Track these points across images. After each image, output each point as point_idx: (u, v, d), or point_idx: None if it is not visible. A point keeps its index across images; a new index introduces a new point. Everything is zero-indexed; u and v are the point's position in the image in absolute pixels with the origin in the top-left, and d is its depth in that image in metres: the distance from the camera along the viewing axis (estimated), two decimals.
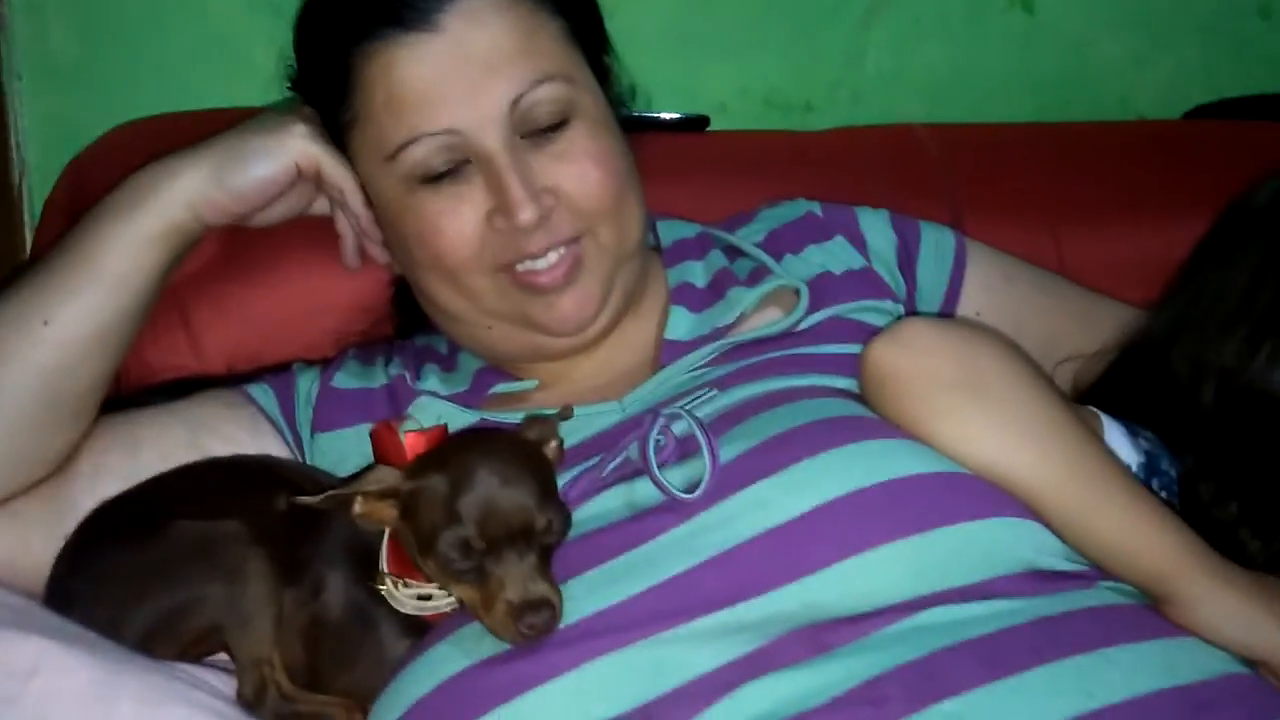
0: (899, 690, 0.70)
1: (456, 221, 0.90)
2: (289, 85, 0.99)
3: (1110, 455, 0.81)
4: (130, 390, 1.01)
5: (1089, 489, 0.79)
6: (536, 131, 0.90)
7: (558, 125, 0.90)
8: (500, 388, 0.97)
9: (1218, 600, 0.75)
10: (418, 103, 0.89)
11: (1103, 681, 0.70)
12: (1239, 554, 0.80)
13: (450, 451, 0.81)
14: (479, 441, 0.82)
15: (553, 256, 0.91)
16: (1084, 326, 1.02)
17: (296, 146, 0.93)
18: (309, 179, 0.95)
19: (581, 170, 0.91)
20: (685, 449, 0.84)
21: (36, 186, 1.27)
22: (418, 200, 0.90)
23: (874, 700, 0.70)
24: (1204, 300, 0.89)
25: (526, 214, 0.88)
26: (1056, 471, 0.79)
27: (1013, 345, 0.86)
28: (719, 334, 0.95)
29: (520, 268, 0.91)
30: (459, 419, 0.92)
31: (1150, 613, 0.76)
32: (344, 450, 0.95)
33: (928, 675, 0.71)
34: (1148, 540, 0.77)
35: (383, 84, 0.90)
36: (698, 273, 1.02)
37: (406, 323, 1.07)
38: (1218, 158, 1.23)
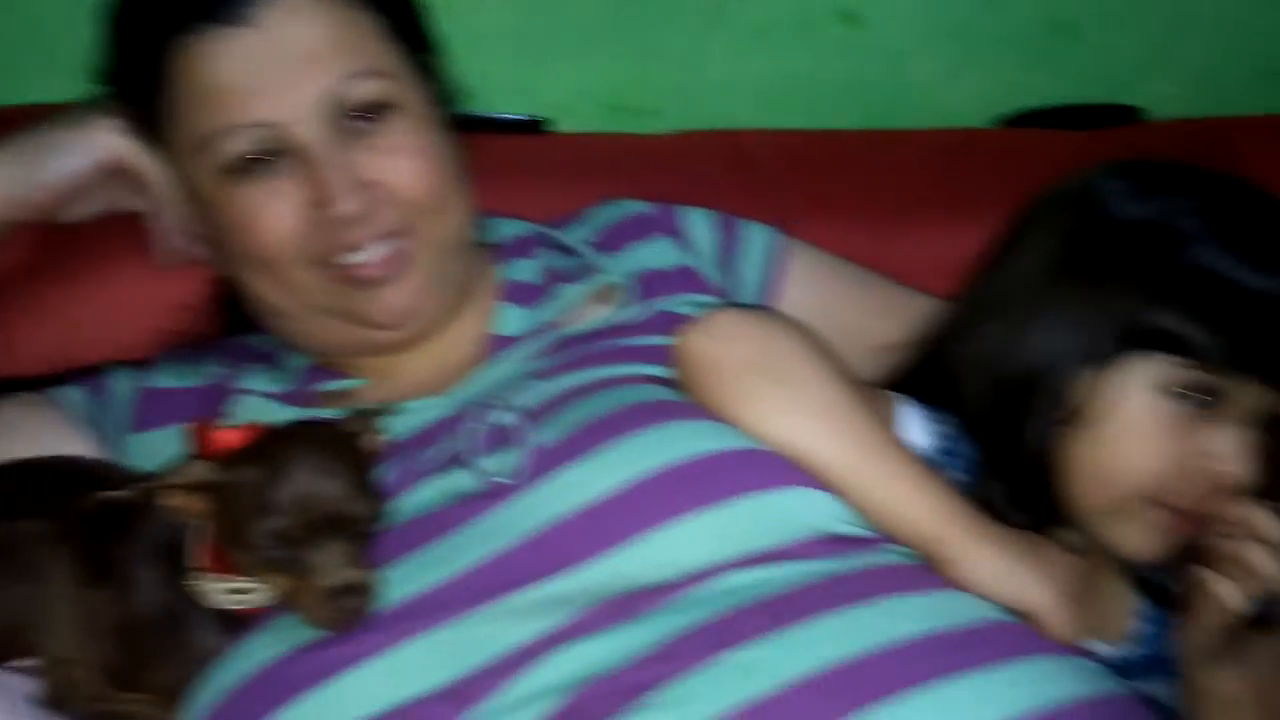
0: (690, 647, 0.75)
1: (272, 213, 0.89)
2: (99, 80, 0.97)
3: (892, 434, 0.88)
4: None
5: (870, 463, 0.85)
6: (355, 125, 0.90)
7: (377, 119, 0.91)
8: (327, 386, 0.97)
9: (982, 558, 0.82)
10: (231, 95, 0.88)
11: (874, 627, 0.76)
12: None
13: (264, 444, 0.80)
14: (294, 434, 0.82)
15: (375, 250, 0.91)
16: (898, 319, 1.07)
17: (103, 140, 0.92)
18: (118, 174, 0.94)
19: (402, 163, 0.91)
20: (504, 437, 0.86)
21: None
22: (233, 193, 0.90)
23: (668, 658, 0.74)
24: (971, 295, 0.96)
25: (345, 205, 0.88)
26: (842, 448, 0.85)
27: (810, 333, 0.91)
28: (547, 329, 0.97)
29: (342, 261, 0.91)
30: (284, 417, 0.91)
31: (927, 571, 0.82)
32: (163, 450, 0.93)
33: (719, 632, 0.75)
34: (921, 508, 0.84)
35: (196, 77, 0.89)
36: (528, 270, 1.03)
37: (231, 321, 1.06)
38: (1025, 163, 1.30)
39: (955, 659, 0.75)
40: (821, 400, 0.87)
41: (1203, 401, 0.84)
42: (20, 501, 0.84)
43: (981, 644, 0.77)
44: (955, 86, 1.43)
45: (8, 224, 0.92)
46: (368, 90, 0.90)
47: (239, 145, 0.89)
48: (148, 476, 0.82)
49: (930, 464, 0.88)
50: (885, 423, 0.89)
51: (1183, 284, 0.85)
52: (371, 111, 0.91)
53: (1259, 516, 0.82)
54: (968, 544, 0.82)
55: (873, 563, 0.81)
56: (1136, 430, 0.85)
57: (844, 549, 0.82)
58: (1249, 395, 0.84)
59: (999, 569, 0.82)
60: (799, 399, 0.86)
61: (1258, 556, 0.81)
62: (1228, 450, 0.83)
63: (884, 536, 0.84)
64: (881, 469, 0.85)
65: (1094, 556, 0.88)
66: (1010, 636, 0.79)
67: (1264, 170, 1.24)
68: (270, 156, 0.89)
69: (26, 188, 0.90)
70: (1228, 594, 0.81)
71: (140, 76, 0.92)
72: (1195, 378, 0.84)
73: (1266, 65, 1.42)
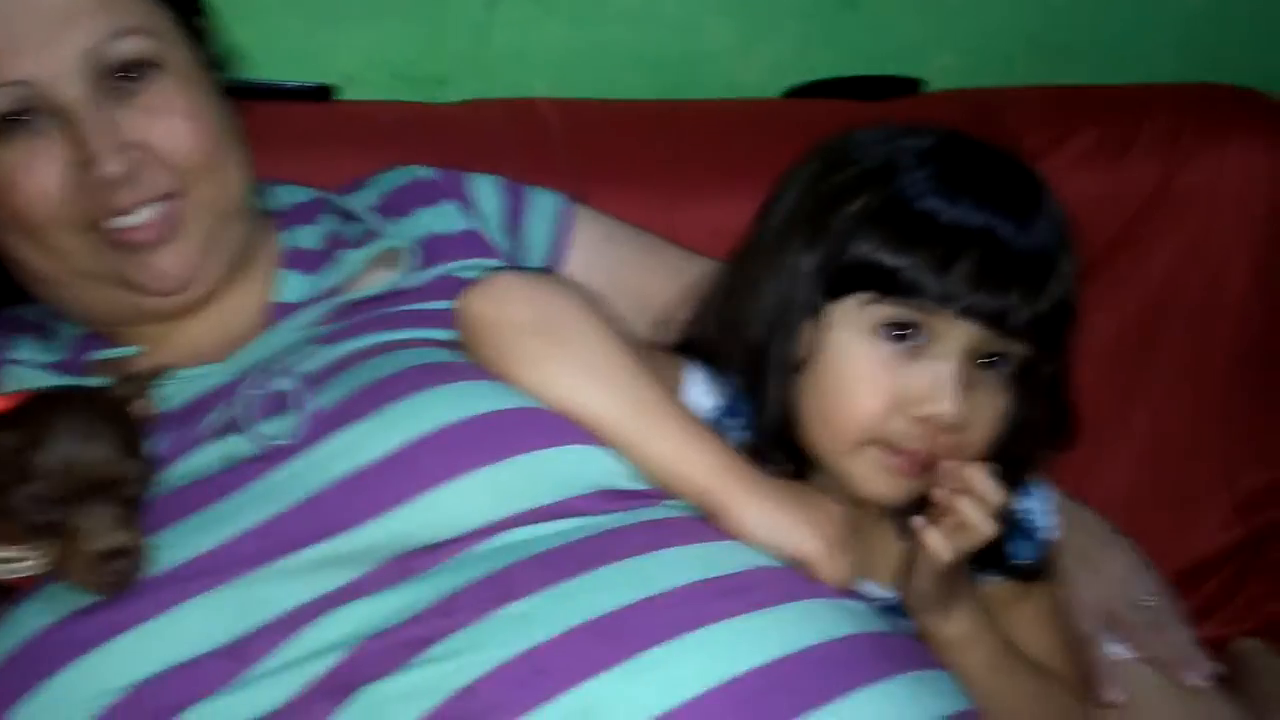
0: (471, 601, 0.77)
1: (33, 176, 0.88)
2: None
3: (667, 392, 0.90)
4: None
5: (645, 421, 0.87)
6: (119, 84, 0.89)
7: (141, 78, 0.90)
8: (101, 354, 0.95)
9: (752, 508, 0.84)
10: None
11: (650, 577, 0.78)
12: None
13: (26, 409, 0.80)
14: (55, 398, 0.81)
15: (145, 213, 0.90)
16: (682, 283, 1.11)
17: None
18: None
19: (170, 124, 0.90)
20: (282, 402, 0.87)
21: None
22: None
23: (448, 612, 0.76)
24: (730, 257, 0.99)
25: (110, 166, 0.87)
26: (618, 406, 0.87)
27: (588, 296, 0.93)
28: (330, 294, 0.98)
29: (111, 225, 0.90)
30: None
31: (703, 523, 0.85)
32: None
33: (498, 586, 0.77)
34: (694, 463, 0.86)
35: None
36: (309, 236, 1.04)
37: (1, 293, 1.03)
38: (808, 132, 1.35)
39: (726, 604, 0.78)
40: (598, 360, 0.88)
41: (912, 340, 0.85)
42: None
43: (752, 589, 0.80)
44: (746, 58, 1.48)
45: None
46: (130, 48, 0.89)
47: None
48: None
49: (709, 422, 0.91)
50: (668, 383, 0.91)
51: (882, 216, 0.86)
52: (135, 71, 0.89)
53: (975, 472, 0.84)
54: (738, 495, 0.85)
55: (650, 516, 0.84)
56: (849, 372, 0.87)
57: (622, 503, 0.84)
58: (959, 333, 0.85)
59: (768, 518, 0.84)
60: (576, 359, 0.88)
61: (969, 510, 0.83)
62: (933, 387, 0.84)
63: (662, 492, 0.86)
64: (657, 425, 0.87)
65: (861, 503, 0.90)
66: (781, 581, 0.82)
67: (1033, 139, 1.35)
68: (30, 117, 0.87)
69: None
70: (936, 544, 0.84)
71: None
72: (900, 314, 0.85)
73: (1034, 39, 1.51)
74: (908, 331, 0.86)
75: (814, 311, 0.88)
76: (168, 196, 0.91)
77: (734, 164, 1.33)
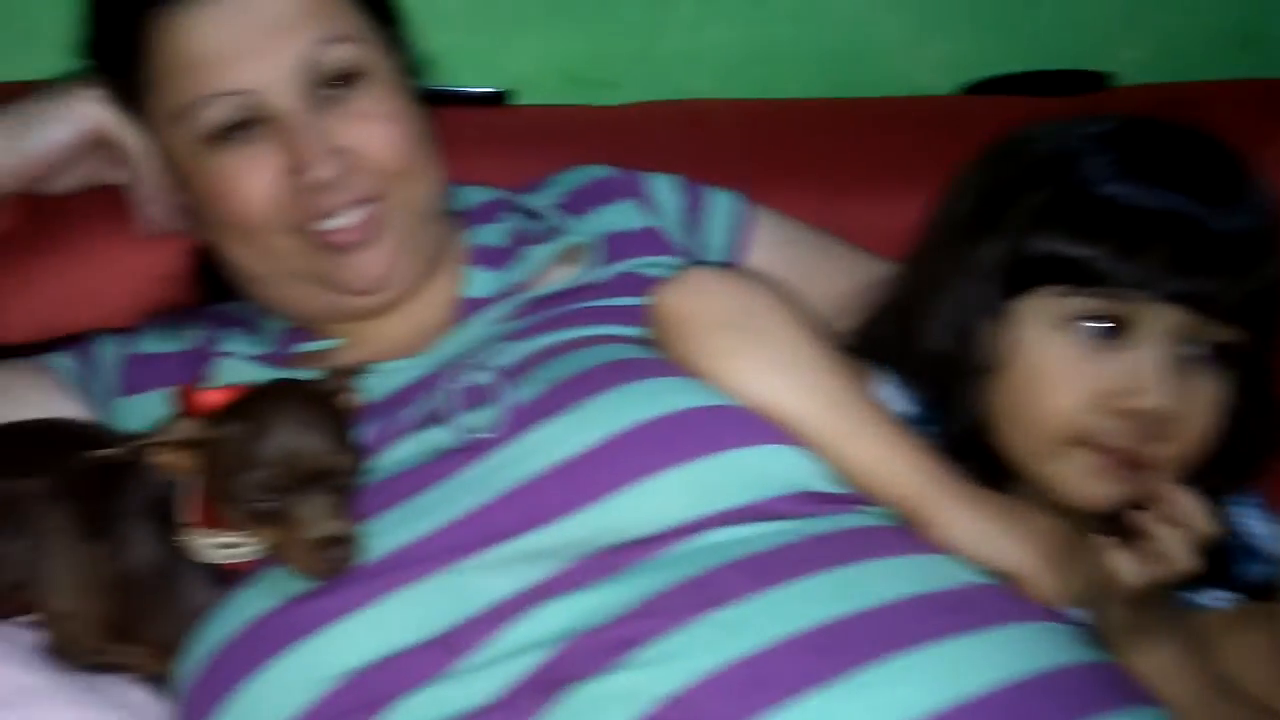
0: (676, 604, 0.75)
1: (250, 181, 0.92)
2: (80, 53, 0.99)
3: (868, 394, 0.86)
4: None
5: (847, 422, 0.83)
6: (329, 92, 0.92)
7: (349, 86, 0.93)
8: (305, 347, 0.99)
9: (962, 520, 0.80)
10: (208, 64, 0.91)
11: (860, 588, 0.76)
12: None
13: (247, 402, 0.83)
14: (275, 391, 0.85)
15: (350, 215, 0.93)
16: (859, 286, 1.10)
17: (85, 111, 0.94)
18: (100, 145, 0.96)
19: (374, 129, 0.94)
20: (481, 395, 0.88)
21: None
22: (211, 161, 0.92)
23: (652, 613, 0.75)
24: (906, 261, 0.95)
25: (320, 171, 0.90)
26: (817, 406, 0.83)
27: (781, 290, 0.92)
28: (516, 290, 1.00)
29: (318, 227, 0.93)
30: (264, 378, 0.93)
31: (907, 533, 0.81)
32: (149, 414, 0.94)
33: (703, 589, 0.76)
34: (897, 468, 0.82)
35: (173, 48, 0.91)
36: (495, 234, 1.06)
37: (211, 290, 1.08)
38: (988, 130, 1.32)
39: (942, 622, 0.74)
40: (797, 357, 0.86)
41: (1108, 330, 0.81)
42: (17, 462, 0.86)
43: (968, 607, 0.76)
44: (918, 54, 1.45)
45: None
46: (341, 55, 0.92)
47: (216, 114, 0.91)
48: (138, 436, 0.84)
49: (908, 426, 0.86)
50: (858, 382, 0.88)
51: (1064, 206, 0.82)
52: (344, 79, 0.93)
53: (1183, 497, 0.79)
54: (946, 505, 0.81)
55: (853, 523, 0.81)
56: (1044, 369, 0.82)
57: (822, 507, 0.81)
58: (1160, 319, 0.80)
59: (979, 531, 0.80)
60: (775, 356, 0.86)
61: (1170, 540, 0.79)
62: (1136, 377, 0.80)
63: (861, 496, 0.83)
64: (858, 427, 0.83)
65: (1066, 514, 0.84)
66: (995, 600, 0.78)
67: (1232, 136, 1.28)
68: (247, 124, 0.91)
69: (11, 158, 0.93)
70: (1128, 570, 0.80)
71: (119, 48, 0.94)
72: (1094, 306, 0.81)
73: (1235, 30, 1.44)
74: (1105, 323, 0.82)
75: (999, 310, 0.85)
76: (370, 199, 0.94)
77: (908, 163, 1.29)
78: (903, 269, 0.97)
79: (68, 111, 0.94)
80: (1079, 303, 0.82)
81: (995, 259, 0.85)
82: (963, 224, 0.89)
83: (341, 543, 0.79)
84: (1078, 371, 0.82)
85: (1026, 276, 0.84)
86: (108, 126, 0.95)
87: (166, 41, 0.92)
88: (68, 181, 0.99)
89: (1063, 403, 0.83)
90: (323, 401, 0.84)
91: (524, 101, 1.36)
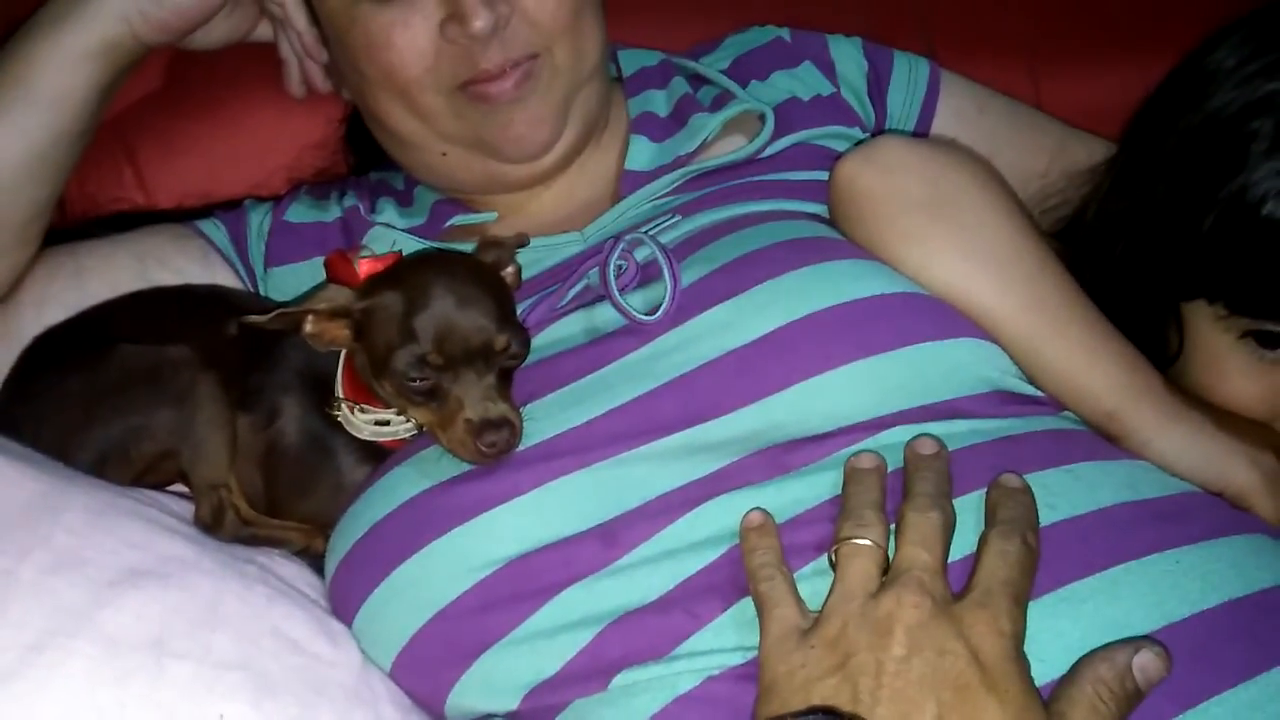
0: None
1: (408, 33, 0.86)
2: None
3: (1077, 292, 0.79)
4: (75, 222, 0.98)
5: (1045, 322, 0.77)
6: None
7: None
8: (458, 219, 0.94)
9: (1174, 434, 0.74)
10: None
11: (1065, 495, 0.69)
12: None
13: (404, 270, 0.78)
14: (434, 261, 0.80)
15: (508, 73, 0.87)
16: (1060, 161, 1.00)
17: None
18: None
19: None
20: (646, 274, 0.82)
21: None
22: (365, 13, 0.87)
23: (834, 518, 0.69)
24: (1110, 177, 0.85)
25: (481, 21, 0.84)
26: (1014, 301, 0.77)
27: (986, 166, 0.84)
28: (681, 162, 0.93)
29: (474, 80, 0.87)
30: (416, 249, 0.90)
31: (1107, 441, 0.76)
32: (298, 284, 0.93)
33: (889, 493, 0.70)
34: (1103, 376, 0.76)
35: None
36: (660, 101, 0.99)
37: (361, 158, 1.04)
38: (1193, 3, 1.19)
39: (1160, 532, 0.68)
40: (997, 245, 0.78)
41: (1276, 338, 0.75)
42: (168, 326, 0.84)
43: (1187, 517, 0.70)
44: None
45: (139, 43, 0.90)
46: None
47: None
48: (289, 304, 0.81)
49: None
50: (1064, 275, 0.79)
51: (1223, 221, 0.74)
52: None
53: None
54: (1155, 418, 0.75)
55: (1052, 425, 0.75)
56: (1220, 370, 0.78)
57: (1019, 408, 0.75)
58: None
59: (1194, 446, 0.74)
60: (972, 242, 0.78)
61: None
62: None
63: (1058, 402, 0.77)
64: (1060, 327, 0.77)
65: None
66: (1211, 511, 0.72)
67: None
68: None
69: (158, 7, 0.88)
70: None
71: None
72: (1253, 325, 0.75)
73: None
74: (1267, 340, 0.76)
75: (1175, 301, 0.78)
76: (530, 57, 0.88)
77: (1111, 27, 1.18)
78: (1115, 159, 0.86)
79: None
80: (1246, 322, 0.76)
81: (1162, 253, 0.79)
82: (1193, 134, 0.78)
83: (501, 426, 0.74)
84: (1249, 381, 0.78)
85: (1193, 288, 0.78)
86: None
87: None
88: (215, 36, 0.94)
89: (1243, 401, 0.78)
90: (483, 275, 0.78)
91: None
